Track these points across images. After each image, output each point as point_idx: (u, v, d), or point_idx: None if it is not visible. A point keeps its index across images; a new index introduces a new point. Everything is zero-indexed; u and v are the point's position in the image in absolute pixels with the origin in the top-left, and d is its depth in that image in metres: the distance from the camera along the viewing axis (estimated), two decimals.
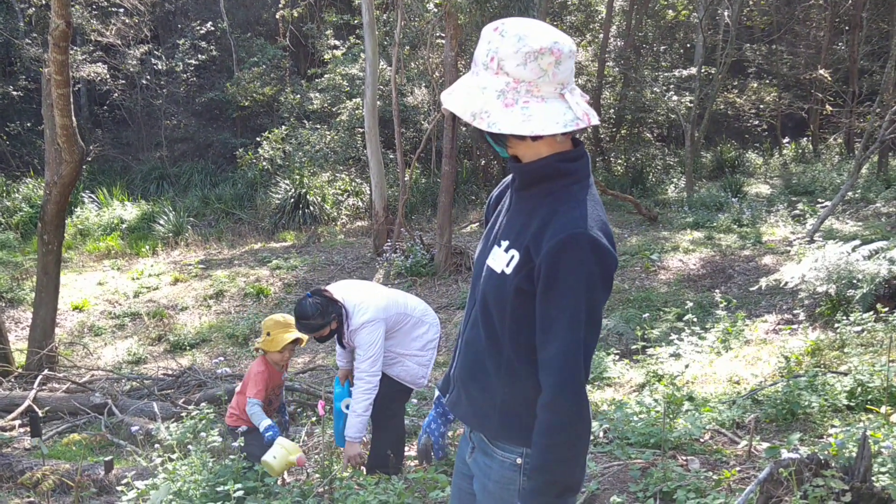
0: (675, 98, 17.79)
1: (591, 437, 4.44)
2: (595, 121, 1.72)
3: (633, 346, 7.08)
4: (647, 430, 4.31)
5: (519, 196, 1.86)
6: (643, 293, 9.41)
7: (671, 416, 4.53)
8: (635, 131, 20.24)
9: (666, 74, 19.17)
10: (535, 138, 1.73)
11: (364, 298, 4.16)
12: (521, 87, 1.68)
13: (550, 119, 1.67)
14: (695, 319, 6.95)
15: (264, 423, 4.00)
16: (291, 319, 4.19)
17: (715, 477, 3.55)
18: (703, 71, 16.91)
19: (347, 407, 4.20)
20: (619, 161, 19.59)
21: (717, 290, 8.35)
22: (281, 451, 3.68)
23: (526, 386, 1.83)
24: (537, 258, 1.71)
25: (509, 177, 2.03)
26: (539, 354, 1.76)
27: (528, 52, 1.65)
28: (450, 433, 2.44)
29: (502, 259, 1.80)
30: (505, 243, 1.82)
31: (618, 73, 19.70)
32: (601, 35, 19.01)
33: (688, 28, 21.00)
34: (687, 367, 6.18)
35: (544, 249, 1.69)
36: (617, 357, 7.04)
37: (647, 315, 8.07)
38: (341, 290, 4.22)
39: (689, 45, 21.62)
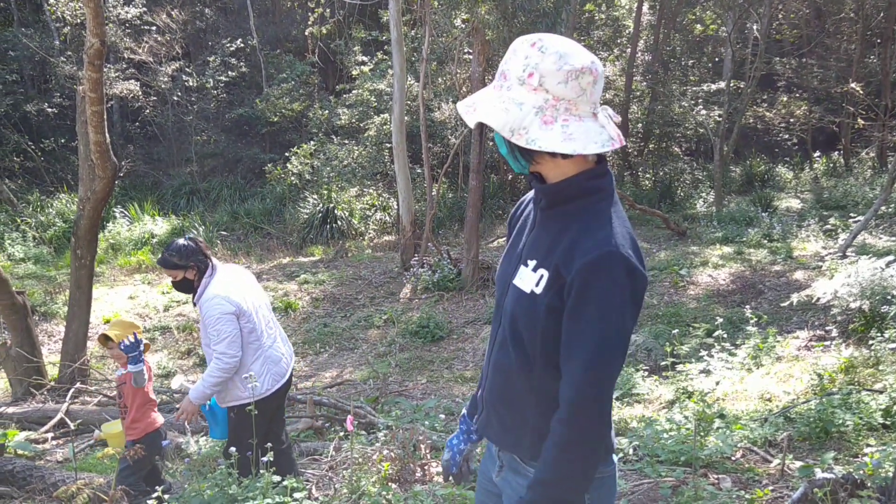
0: (703, 112, 17.72)
1: (621, 455, 4.42)
2: (623, 141, 1.73)
3: (663, 363, 7.01)
4: (677, 448, 4.27)
5: (545, 215, 1.84)
6: (672, 308, 9.33)
7: (702, 433, 4.48)
8: (663, 146, 20.15)
9: (694, 89, 19.11)
10: (565, 156, 1.73)
11: (233, 281, 4.01)
12: (560, 105, 1.67)
13: (590, 139, 1.67)
14: (725, 335, 6.85)
15: None
16: (119, 323, 4.52)
17: (747, 496, 3.50)
18: (731, 85, 16.82)
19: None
20: (648, 175, 19.49)
21: (747, 306, 8.25)
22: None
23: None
24: (568, 275, 1.69)
25: (529, 194, 2.02)
26: (562, 368, 1.73)
27: (570, 71, 1.64)
28: (477, 450, 2.44)
29: (531, 279, 1.79)
30: (532, 263, 1.80)
31: (645, 87, 19.67)
32: (629, 50, 19.00)
33: (716, 42, 20.91)
34: (717, 383, 6.11)
35: (576, 267, 1.67)
36: (646, 373, 6.97)
37: (676, 331, 7.98)
38: (227, 266, 4.12)
39: (717, 59, 21.53)
